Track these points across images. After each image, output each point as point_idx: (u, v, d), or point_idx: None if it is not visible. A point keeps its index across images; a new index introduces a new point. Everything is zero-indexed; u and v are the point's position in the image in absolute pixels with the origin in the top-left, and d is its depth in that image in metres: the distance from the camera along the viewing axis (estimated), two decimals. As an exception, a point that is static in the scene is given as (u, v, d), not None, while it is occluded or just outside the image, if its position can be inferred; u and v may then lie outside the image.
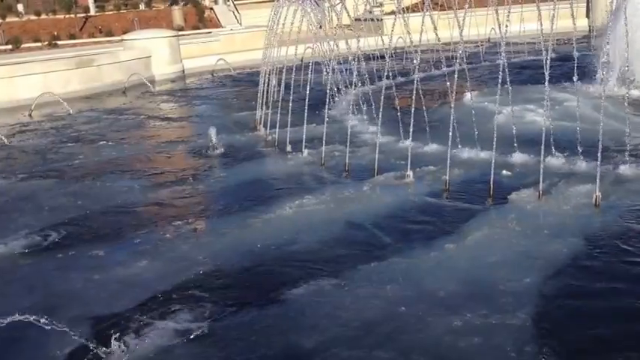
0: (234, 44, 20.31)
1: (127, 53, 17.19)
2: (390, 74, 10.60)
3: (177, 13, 27.14)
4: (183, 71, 18.37)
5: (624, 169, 6.28)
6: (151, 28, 21.45)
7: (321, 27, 10.77)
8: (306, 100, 8.46)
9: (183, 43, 18.92)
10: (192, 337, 4.08)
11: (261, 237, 5.63)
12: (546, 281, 4.42)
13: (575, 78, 6.80)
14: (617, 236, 4.99)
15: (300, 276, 4.80)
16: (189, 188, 7.24)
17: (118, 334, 4.04)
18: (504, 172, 6.60)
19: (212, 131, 8.92)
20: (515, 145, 7.03)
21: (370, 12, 21.96)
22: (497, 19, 7.49)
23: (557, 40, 12.82)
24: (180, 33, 21.52)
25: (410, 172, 6.82)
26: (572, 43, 10.10)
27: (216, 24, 27.09)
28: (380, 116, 7.79)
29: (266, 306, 4.41)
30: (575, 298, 4.24)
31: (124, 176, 7.99)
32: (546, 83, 6.49)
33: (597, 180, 5.65)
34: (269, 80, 10.39)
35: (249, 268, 5.08)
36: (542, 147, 6.11)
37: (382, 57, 11.26)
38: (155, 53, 17.58)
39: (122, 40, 18.86)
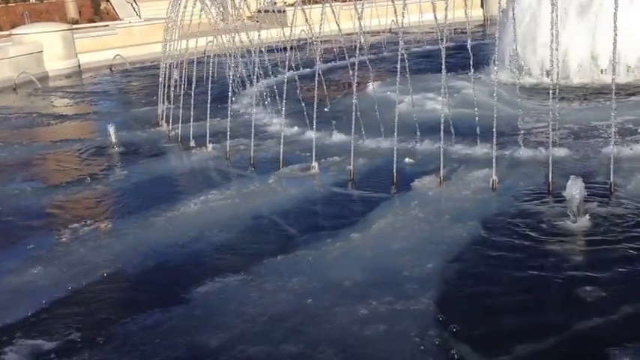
0: (133, 37, 19.74)
1: (17, 48, 16.38)
2: (294, 66, 10.61)
3: (71, 6, 26.03)
4: (79, 66, 17.69)
5: (518, 153, 6.52)
6: (43, 22, 20.51)
7: (223, 19, 10.61)
8: (209, 94, 8.33)
9: (78, 37, 18.21)
10: (91, 344, 3.91)
11: (165, 236, 5.49)
12: (448, 265, 4.52)
13: (471, 66, 7.00)
14: (512, 218, 5.17)
15: (206, 274, 4.70)
16: (86, 189, 6.97)
17: (11, 346, 3.83)
18: (407, 159, 6.72)
19: (111, 128, 8.62)
20: (417, 133, 7.19)
21: (274, 3, 21.88)
22: (395, 10, 7.58)
23: (454, 29, 13.30)
24: (75, 26, 20.68)
25: (315, 164, 6.83)
26: (468, 33, 10.39)
27: (114, 16, 26.19)
28: (284, 108, 7.77)
29: (170, 307, 4.29)
30: (475, 281, 4.36)
31: (14, 178, 7.59)
32: (443, 72, 6.64)
33: (493, 164, 5.84)
34: (170, 74, 10.15)
35: (152, 269, 4.94)
36: (441, 134, 6.25)
37: (286, 49, 11.23)
38: (47, 48, 16.84)
39: (10, 34, 17.93)
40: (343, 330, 3.85)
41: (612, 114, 5.83)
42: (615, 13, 5.68)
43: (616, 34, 5.78)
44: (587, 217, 4.93)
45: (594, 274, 4.26)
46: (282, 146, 7.15)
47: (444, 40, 6.86)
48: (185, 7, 9.56)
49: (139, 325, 4.11)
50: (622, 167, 5.81)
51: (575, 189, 4.91)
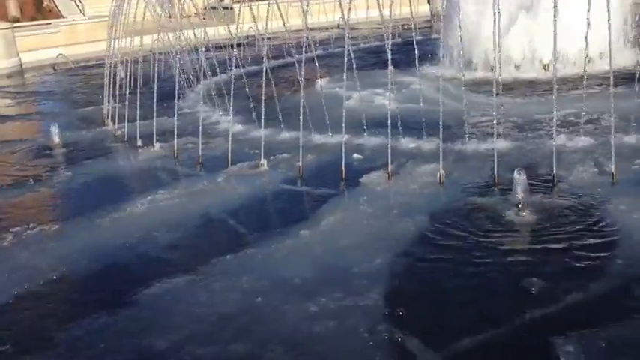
0: (77, 35, 19.31)
1: (-46, 48, 15.86)
2: (242, 63, 10.53)
3: (11, 3, 25.26)
4: (21, 66, 17.20)
5: (465, 147, 6.61)
6: (-18, 20, 19.88)
7: (170, 16, 10.47)
8: (155, 93, 8.22)
9: (19, 36, 17.71)
10: (35, 350, 3.81)
11: (111, 237, 5.38)
12: (397, 260, 4.55)
13: (416, 62, 7.07)
14: (460, 211, 5.24)
15: (153, 275, 4.62)
16: (29, 191, 6.78)
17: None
18: (356, 155, 6.74)
19: (54, 128, 8.40)
20: (365, 128, 7.23)
21: (221, 0, 21.69)
22: (341, 7, 7.59)
23: (401, 25, 13.41)
24: (16, 25, 20.10)
25: (264, 161, 6.79)
26: (415, 29, 10.49)
27: (57, 14, 25.54)
28: (232, 106, 7.72)
29: (116, 309, 4.21)
30: (423, 274, 4.41)
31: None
32: (389, 67, 6.68)
33: (440, 159, 5.91)
34: (116, 73, 9.96)
35: (98, 272, 4.84)
36: (389, 129, 6.28)
37: (234, 46, 11.14)
38: (-13, 47, 16.35)
39: (-54, 33, 17.34)
40: (293, 327, 3.83)
41: (554, 107, 5.98)
42: (556, 9, 5.80)
43: (556, 30, 5.93)
44: (532, 208, 5.03)
45: (539, 264, 4.35)
46: (230, 144, 7.09)
47: (390, 37, 6.90)
48: (129, 5, 9.39)
49: (84, 329, 4.02)
50: (564, 159, 5.95)
51: (519, 182, 5.01)
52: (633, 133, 6.26)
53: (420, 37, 12.94)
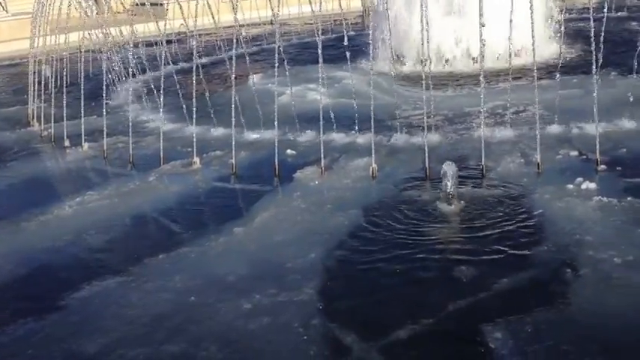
0: (0, 33, 18.60)
1: None
2: (173, 60, 10.39)
3: None
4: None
5: (397, 140, 6.70)
6: None
7: (98, 13, 10.21)
8: (83, 91, 8.01)
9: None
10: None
11: (38, 241, 5.23)
12: (330, 254, 4.57)
13: (348, 56, 7.11)
14: (392, 204, 5.30)
15: (83, 278, 4.51)
16: (-50, 195, 6.51)
17: None
18: (289, 151, 6.73)
19: (-26, 130, 8.09)
20: (298, 124, 7.23)
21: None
22: (271, 4, 7.57)
23: (334, 20, 13.47)
24: None
25: (197, 159, 6.71)
26: (348, 24, 10.56)
27: (-21, 12, 24.57)
28: (163, 104, 7.59)
29: (45, 315, 4.09)
30: (357, 267, 4.43)
31: None
32: (320, 63, 6.70)
33: (372, 153, 5.97)
34: (41, 71, 9.65)
35: (24, 277, 4.70)
36: (321, 124, 6.31)
37: (165, 42, 10.96)
38: None
39: None
40: (227, 325, 3.81)
41: (483, 100, 6.13)
42: (481, 3, 5.94)
43: (483, 24, 6.06)
44: (462, 199, 5.13)
45: (468, 254, 4.44)
46: (161, 142, 6.98)
47: (322, 32, 6.92)
48: (54, 1, 9.11)
49: (11, 336, 3.90)
50: (493, 150, 6.09)
51: (449, 173, 5.10)
52: (557, 123, 6.47)
53: (352, 32, 13.07)
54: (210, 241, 4.93)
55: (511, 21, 6.20)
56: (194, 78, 7.14)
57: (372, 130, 6.17)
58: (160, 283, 4.35)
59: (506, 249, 4.43)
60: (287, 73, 7.34)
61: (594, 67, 5.93)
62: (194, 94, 7.22)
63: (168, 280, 4.38)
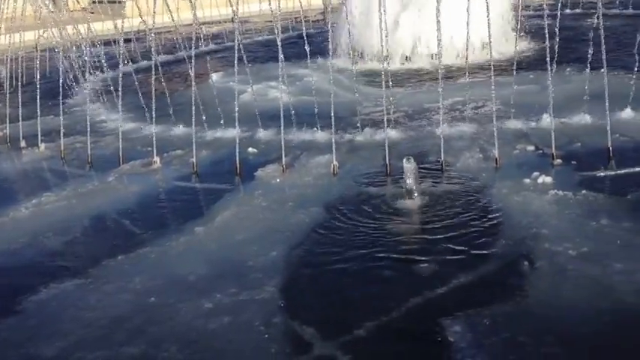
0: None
1: None
2: (132, 58, 10.27)
3: None
4: None
5: (357, 137, 6.73)
6: None
7: (55, 11, 10.04)
8: (39, 91, 7.87)
9: None
10: None
11: (-8, 245, 5.11)
12: (292, 252, 4.57)
13: (308, 54, 7.12)
14: (353, 200, 5.33)
15: (40, 281, 4.43)
16: None
17: None
18: (250, 149, 6.71)
19: None
20: (260, 122, 7.21)
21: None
22: (230, 2, 7.53)
23: (295, 18, 13.46)
24: None
25: (157, 158, 6.65)
26: (309, 21, 10.52)
27: None
28: (123, 103, 7.50)
29: (0, 319, 4.00)
30: (318, 264, 4.44)
31: None
32: (280, 60, 6.70)
33: (333, 150, 5.98)
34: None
35: (-22, 281, 4.59)
36: (282, 122, 6.31)
37: (124, 41, 10.82)
38: None
39: None
40: (187, 325, 3.78)
41: (442, 96, 6.20)
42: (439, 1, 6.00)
43: (442, 21, 6.14)
44: (422, 195, 5.18)
45: (429, 249, 4.48)
46: (121, 142, 6.90)
47: (282, 30, 6.92)
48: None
49: (-36, 343, 3.80)
50: (452, 146, 6.16)
51: (409, 169, 5.15)
52: (514, 119, 6.57)
53: (313, 30, 13.10)
54: (171, 241, 4.88)
55: (469, 18, 6.27)
56: (153, 77, 7.07)
57: (333, 127, 6.20)
58: (120, 285, 4.30)
59: (465, 243, 4.48)
60: (248, 71, 7.33)
61: (550, 63, 6.04)
62: (153, 93, 7.15)
63: (128, 282, 4.33)
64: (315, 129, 6.90)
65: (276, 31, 7.27)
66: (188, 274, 4.36)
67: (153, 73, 7.05)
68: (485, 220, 4.78)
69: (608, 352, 3.30)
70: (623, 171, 5.34)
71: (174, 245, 4.82)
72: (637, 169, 5.34)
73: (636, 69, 6.46)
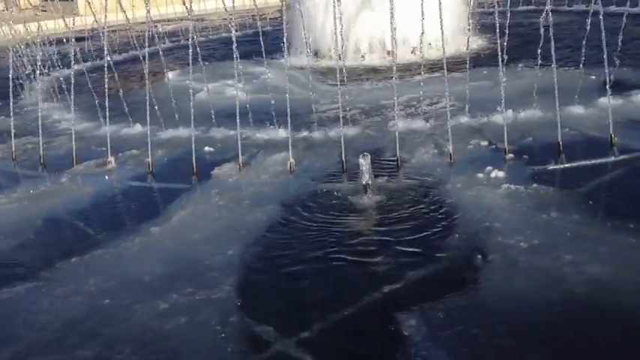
0: None
1: None
2: (85, 58, 10.11)
3: None
4: None
5: (314, 134, 6.75)
6: None
7: (6, 9, 9.81)
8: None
9: None
10: None
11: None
12: (248, 250, 4.56)
13: (264, 52, 7.11)
14: (310, 198, 5.33)
15: (-10, 285, 4.34)
16: None
17: None
18: (207, 148, 6.68)
19: None
20: (216, 121, 7.17)
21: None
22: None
23: (252, 15, 13.41)
24: None
25: (111, 158, 6.56)
26: (267, 18, 10.47)
27: None
28: (76, 102, 7.39)
29: (-53, 326, 3.91)
30: (275, 262, 4.43)
31: None
32: (236, 59, 6.69)
33: (290, 147, 5.99)
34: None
35: None
36: (238, 120, 6.29)
37: (78, 39, 10.66)
38: None
39: None
40: (143, 327, 3.74)
41: (398, 93, 6.26)
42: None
43: (394, 19, 6.19)
44: (378, 191, 5.22)
45: (385, 244, 4.52)
46: (74, 142, 6.79)
47: (239, 27, 6.89)
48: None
49: None
50: (407, 142, 6.22)
51: (364, 166, 5.18)
52: (468, 114, 6.67)
53: (270, 27, 13.09)
54: (126, 241, 4.82)
55: (423, 15, 6.33)
56: (106, 75, 6.97)
57: (290, 125, 6.20)
58: (73, 287, 4.24)
59: (420, 238, 4.53)
60: (205, 69, 7.28)
61: (503, 59, 6.14)
62: (107, 92, 7.05)
63: (82, 284, 4.26)
64: (272, 127, 6.90)
65: (231, 28, 7.24)
66: (144, 274, 4.32)
67: (106, 71, 6.94)
68: (439, 214, 4.84)
69: (559, 343, 3.37)
70: (572, 164, 5.47)
71: (130, 246, 4.77)
72: (586, 162, 5.47)
73: (582, 64, 6.63)
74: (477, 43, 10.01)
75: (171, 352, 3.55)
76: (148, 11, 7.19)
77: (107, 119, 6.99)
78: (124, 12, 8.30)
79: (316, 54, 10.42)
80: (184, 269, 4.37)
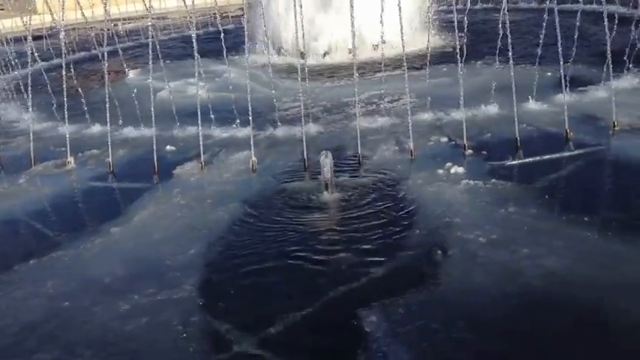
0: None
1: None
2: (44, 57, 9.94)
3: None
4: None
5: (276, 133, 6.75)
6: None
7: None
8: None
9: None
10: None
11: None
12: (210, 249, 4.55)
13: (225, 50, 7.08)
14: (272, 196, 5.34)
15: (-55, 290, 4.25)
16: None
17: None
18: (169, 147, 6.63)
19: None
20: (178, 119, 7.13)
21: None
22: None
23: (214, 14, 13.34)
24: None
25: (71, 158, 6.49)
26: (229, 17, 10.39)
27: None
28: (34, 102, 7.27)
29: None
30: (237, 261, 4.43)
31: None
32: (196, 57, 6.66)
33: (252, 146, 5.98)
34: None
35: None
36: (199, 119, 6.26)
37: (35, 38, 10.46)
38: None
39: None
40: (103, 328, 3.71)
41: (359, 90, 6.30)
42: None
43: (354, 17, 6.22)
44: (340, 188, 5.25)
45: (347, 241, 4.54)
46: (32, 143, 6.68)
47: (201, 25, 6.86)
48: None
49: None
50: (369, 139, 6.27)
51: (325, 164, 5.20)
52: (428, 111, 6.74)
53: (233, 25, 13.03)
54: (86, 243, 4.77)
55: (383, 13, 6.38)
56: (64, 75, 6.87)
57: (252, 123, 6.19)
58: (32, 290, 4.18)
59: (381, 235, 4.57)
60: (166, 68, 7.23)
61: (461, 56, 6.22)
62: (66, 91, 6.95)
63: (41, 286, 4.21)
64: (234, 125, 6.88)
65: (192, 27, 7.20)
66: (104, 275, 4.28)
67: (64, 71, 6.84)
68: (400, 211, 4.89)
69: (517, 335, 3.44)
70: (529, 159, 5.58)
71: (90, 247, 4.72)
72: (542, 157, 5.58)
73: (538, 61, 6.76)
74: (437, 40, 10.12)
75: (132, 354, 3.53)
76: (106, 10, 7.08)
77: (66, 119, 6.89)
78: (82, 10, 8.19)
79: (279, 52, 10.42)
80: (146, 269, 4.35)
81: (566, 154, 5.63)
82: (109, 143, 6.38)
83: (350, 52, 9.76)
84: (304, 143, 5.91)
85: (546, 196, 4.86)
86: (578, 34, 6.84)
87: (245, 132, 6.59)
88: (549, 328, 3.44)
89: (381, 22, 6.48)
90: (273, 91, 7.00)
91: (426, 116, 6.68)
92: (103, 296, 4.04)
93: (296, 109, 7.31)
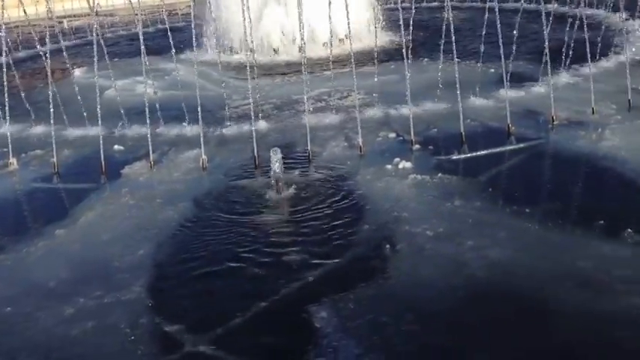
0: None
1: None
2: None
3: None
4: None
5: (226, 131, 6.71)
6: None
7: None
8: None
9: None
10: None
11: None
12: (160, 249, 4.49)
13: (173, 48, 7.01)
14: (223, 194, 5.32)
15: None
16: None
17: None
18: (116, 146, 6.53)
19: None
20: (126, 118, 7.02)
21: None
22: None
23: (163, 11, 13.17)
24: None
25: (13, 159, 6.33)
26: (179, 14, 10.28)
27: None
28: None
29: None
30: (187, 261, 4.37)
31: None
32: (144, 55, 6.57)
33: (202, 144, 5.94)
34: None
35: None
36: (147, 118, 6.18)
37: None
38: None
39: None
40: (47, 334, 3.62)
41: (309, 88, 6.31)
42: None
43: (302, 14, 6.23)
44: (290, 185, 5.25)
45: (297, 238, 4.55)
46: (-29, 144, 6.50)
47: (150, 23, 6.77)
48: None
49: None
50: (318, 136, 6.29)
51: (275, 160, 5.20)
52: (377, 107, 6.80)
53: (183, 23, 12.89)
54: (29, 246, 4.65)
55: (331, 11, 6.40)
56: (6, 73, 6.70)
57: (201, 121, 6.14)
58: (-28, 296, 4.06)
59: (331, 230, 4.59)
60: (113, 66, 7.11)
61: (409, 53, 6.29)
62: (8, 90, 6.77)
63: (-19, 292, 4.10)
64: (184, 124, 6.82)
65: (139, 24, 7.10)
66: (48, 279, 4.19)
67: (4, 69, 6.66)
68: (349, 206, 4.92)
69: (463, 325, 3.49)
70: (474, 154, 5.69)
71: (33, 250, 4.60)
72: (486, 151, 5.70)
73: (482, 58, 6.90)
74: (385, 38, 10.20)
75: (78, 358, 3.46)
76: (49, 8, 6.92)
77: (7, 118, 6.72)
78: (24, 8, 7.99)
79: (229, 50, 10.36)
80: (92, 272, 4.27)
81: (509, 147, 5.76)
82: (54, 143, 6.25)
83: (300, 50, 9.80)
84: (254, 141, 5.89)
85: (490, 189, 4.95)
86: (519, 32, 6.99)
87: (195, 130, 6.53)
88: (494, 317, 3.51)
89: (329, 20, 6.51)
90: (223, 89, 6.96)
91: (375, 112, 6.74)
92: (47, 300, 3.95)
93: (246, 106, 7.29)
